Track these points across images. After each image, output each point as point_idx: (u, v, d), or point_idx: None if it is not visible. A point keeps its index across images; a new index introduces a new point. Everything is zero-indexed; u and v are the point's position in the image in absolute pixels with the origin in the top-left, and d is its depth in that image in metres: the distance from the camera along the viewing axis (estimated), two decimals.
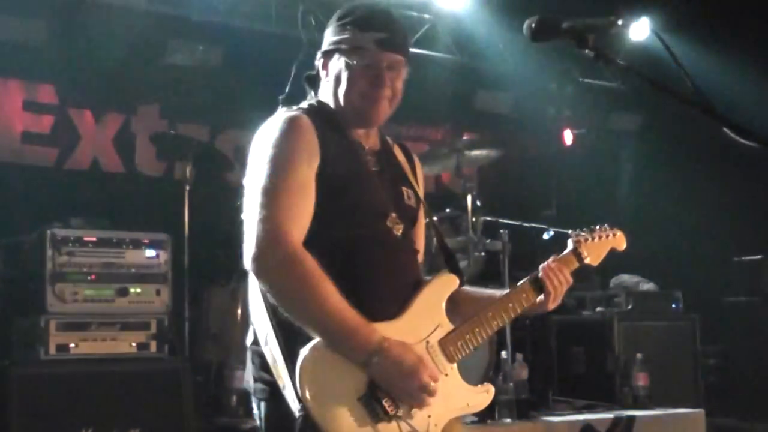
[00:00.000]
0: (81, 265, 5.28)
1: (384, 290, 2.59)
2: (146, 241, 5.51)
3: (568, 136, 9.18)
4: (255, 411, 2.66)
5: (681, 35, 8.13)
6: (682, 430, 5.89)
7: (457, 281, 2.74)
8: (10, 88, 6.99)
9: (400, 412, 2.45)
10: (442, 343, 2.59)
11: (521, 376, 5.75)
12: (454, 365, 2.61)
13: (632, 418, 5.73)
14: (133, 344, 5.34)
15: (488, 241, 6.24)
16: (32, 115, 7.06)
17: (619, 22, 2.62)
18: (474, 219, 6.26)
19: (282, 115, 2.66)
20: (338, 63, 2.72)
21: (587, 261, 2.99)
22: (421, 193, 2.88)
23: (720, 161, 8.23)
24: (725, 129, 2.33)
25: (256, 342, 2.60)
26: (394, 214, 2.69)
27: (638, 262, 7.88)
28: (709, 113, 2.35)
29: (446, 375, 2.56)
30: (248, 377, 2.67)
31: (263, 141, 2.61)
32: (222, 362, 5.97)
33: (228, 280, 6.17)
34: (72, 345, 5.16)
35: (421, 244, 2.88)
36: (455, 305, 2.74)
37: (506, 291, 2.87)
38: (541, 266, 2.89)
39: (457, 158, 6.49)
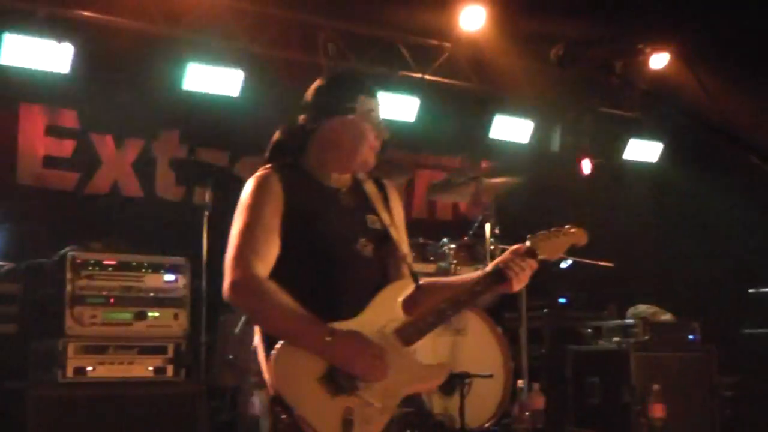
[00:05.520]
0: (100, 289, 5.32)
1: (348, 298, 3.07)
2: (165, 265, 5.54)
3: (586, 166, 9.18)
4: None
5: (702, 63, 8.16)
6: None
7: (412, 285, 3.19)
8: (33, 114, 7.05)
9: (357, 387, 2.91)
10: (398, 330, 3.04)
11: (538, 406, 5.74)
12: (411, 347, 3.04)
13: None
14: (150, 368, 5.37)
15: None
16: (54, 140, 7.13)
17: (647, 50, 2.66)
18: (492, 247, 6.26)
19: (254, 175, 3.22)
20: (352, 125, 3.24)
21: (541, 256, 3.28)
22: (394, 216, 3.34)
23: (737, 191, 8.23)
24: (751, 156, 2.33)
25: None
26: (363, 239, 3.18)
27: (655, 292, 7.88)
28: (734, 140, 2.35)
29: (400, 355, 2.99)
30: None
31: (241, 197, 3.18)
32: (237, 388, 5.97)
33: None
34: (89, 368, 5.19)
35: (403, 253, 3.29)
36: (420, 300, 3.20)
37: (468, 278, 3.31)
38: (497, 260, 3.26)
39: (474, 186, 6.49)
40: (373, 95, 3.31)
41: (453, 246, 6.41)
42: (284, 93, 7.31)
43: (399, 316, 3.09)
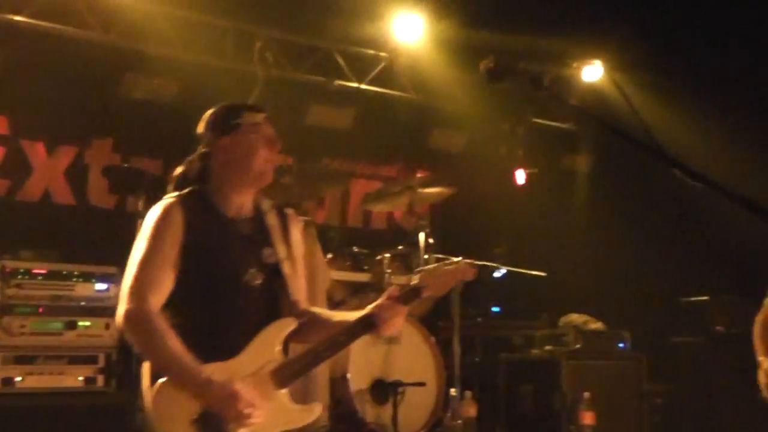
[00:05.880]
0: (30, 298, 5.25)
1: (233, 332, 3.26)
2: (96, 274, 5.49)
3: (520, 176, 9.27)
4: None
5: (632, 77, 8.29)
6: None
7: (294, 324, 3.35)
8: None
9: (228, 430, 3.10)
10: (274, 372, 3.24)
11: (470, 414, 5.78)
12: (283, 390, 3.26)
13: None
14: (81, 378, 5.31)
15: None
16: None
17: (574, 65, 2.69)
18: (426, 256, 6.30)
19: (158, 203, 3.38)
20: (241, 139, 3.43)
21: (426, 293, 3.48)
22: (292, 248, 3.52)
23: (668, 203, 8.38)
24: (674, 170, 2.38)
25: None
26: (253, 270, 3.35)
27: (587, 301, 7.98)
28: (658, 154, 2.40)
29: (271, 399, 3.21)
30: None
31: (144, 224, 3.35)
32: None
33: None
34: (18, 378, 5.12)
35: (296, 290, 3.47)
36: (306, 333, 3.43)
37: (349, 318, 3.44)
38: (374, 304, 3.39)
39: (409, 196, 6.52)
40: (257, 111, 3.52)
41: (387, 256, 6.43)
42: (219, 101, 7.28)
43: (277, 357, 3.28)
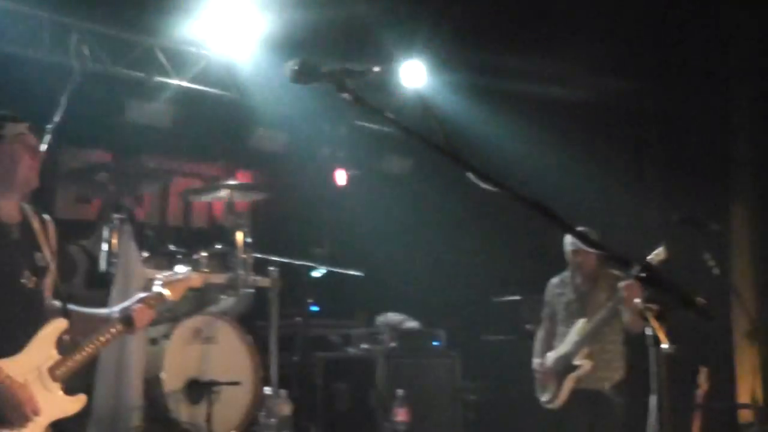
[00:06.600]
0: None
1: (11, 333, 3.60)
2: None
3: (340, 177, 9.37)
4: None
5: (453, 79, 8.50)
6: None
7: (65, 324, 3.74)
8: None
9: (13, 421, 3.50)
10: (51, 369, 3.66)
11: (284, 413, 5.81)
12: (58, 384, 3.67)
13: None
14: None
15: (258, 277, 6.29)
16: None
17: (376, 69, 2.76)
18: (244, 255, 6.28)
19: None
20: (5, 149, 3.70)
21: (168, 296, 4.10)
22: (53, 252, 3.85)
23: (482, 206, 8.65)
24: (468, 174, 2.48)
25: None
26: (27, 272, 3.70)
27: (403, 300, 8.15)
28: (455, 158, 2.49)
29: (50, 391, 3.64)
30: None
31: None
32: None
33: None
34: None
35: (57, 290, 3.87)
36: (78, 329, 3.82)
37: (101, 316, 3.94)
38: (126, 305, 3.93)
39: (229, 195, 6.50)
40: (20, 121, 3.79)
41: (204, 254, 6.38)
42: (32, 94, 7.07)
43: (53, 354, 3.68)
